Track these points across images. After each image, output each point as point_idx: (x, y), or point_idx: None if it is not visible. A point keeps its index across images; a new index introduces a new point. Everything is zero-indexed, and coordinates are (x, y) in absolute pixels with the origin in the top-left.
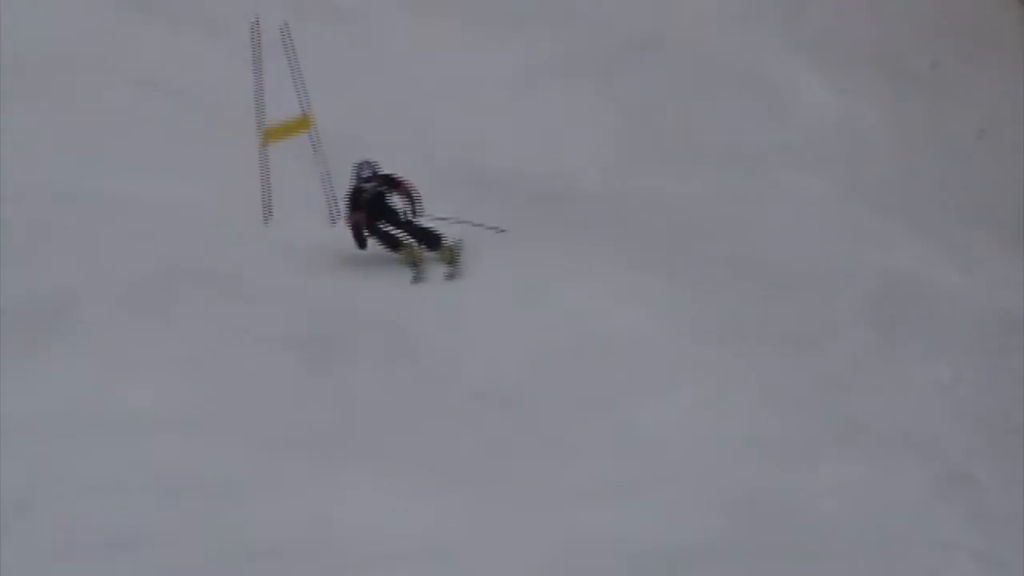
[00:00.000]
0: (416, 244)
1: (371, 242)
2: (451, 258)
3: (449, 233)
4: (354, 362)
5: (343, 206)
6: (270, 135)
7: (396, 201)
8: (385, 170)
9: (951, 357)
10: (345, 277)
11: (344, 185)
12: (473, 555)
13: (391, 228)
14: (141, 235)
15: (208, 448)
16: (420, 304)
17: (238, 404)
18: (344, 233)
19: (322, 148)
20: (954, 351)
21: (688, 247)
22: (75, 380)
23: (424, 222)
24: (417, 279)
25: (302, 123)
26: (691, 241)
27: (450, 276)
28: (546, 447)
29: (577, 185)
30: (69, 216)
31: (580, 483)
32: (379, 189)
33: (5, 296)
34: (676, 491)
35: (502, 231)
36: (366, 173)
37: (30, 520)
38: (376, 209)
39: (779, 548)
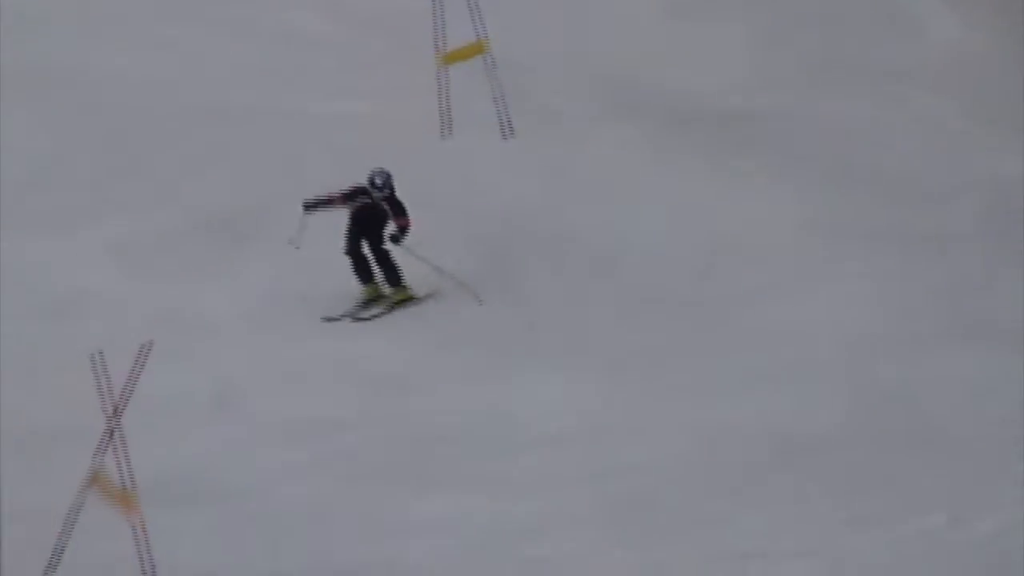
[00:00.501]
0: (381, 279)
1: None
2: (397, 302)
3: (426, 283)
4: (527, 267)
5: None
6: (448, 59)
7: (389, 224)
8: (398, 194)
9: None
10: (520, 188)
11: None
12: (629, 438)
13: (367, 249)
14: (331, 149)
15: (398, 346)
16: (582, 210)
17: (419, 305)
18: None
19: (496, 71)
20: None
21: (823, 160)
22: (275, 280)
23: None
24: (358, 316)
25: (477, 48)
26: (825, 155)
27: (376, 315)
28: (697, 342)
29: (719, 103)
30: (268, 131)
31: (726, 374)
32: (382, 206)
33: (214, 203)
34: (812, 382)
35: (480, 302)
36: (379, 181)
37: (234, 410)
38: (366, 218)
39: (902, 436)
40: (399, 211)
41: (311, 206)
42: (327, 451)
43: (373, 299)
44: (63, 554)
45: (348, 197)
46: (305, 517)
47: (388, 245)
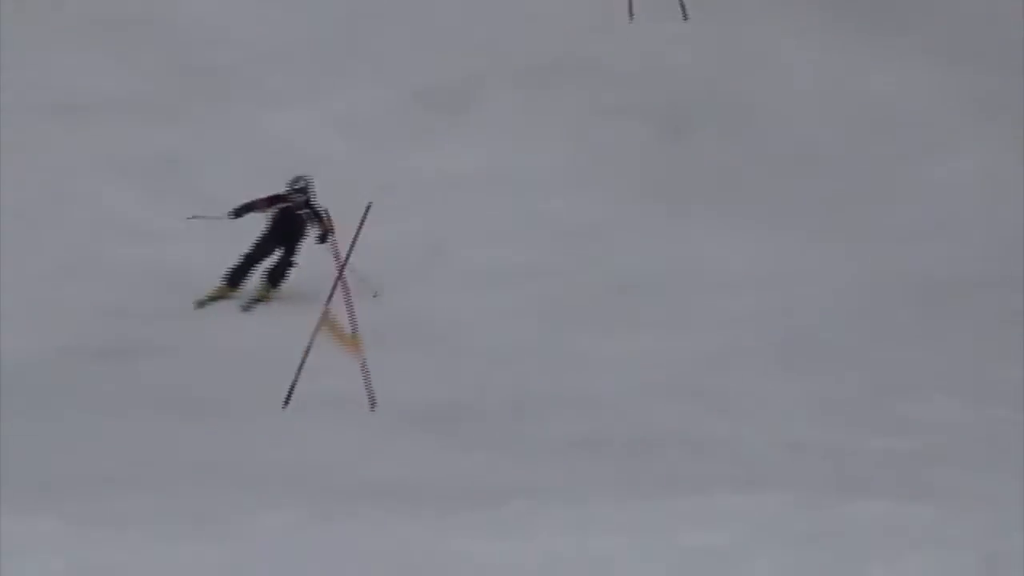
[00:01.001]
0: (264, 279)
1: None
2: (260, 297)
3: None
4: (699, 130)
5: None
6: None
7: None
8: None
9: None
10: (696, 63)
11: None
12: (797, 282)
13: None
14: (532, 23)
15: (586, 201)
16: (751, 82)
17: (607, 167)
18: None
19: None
20: None
21: (966, 41)
22: (482, 147)
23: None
24: (246, 307)
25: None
26: (967, 36)
27: (246, 307)
28: (857, 198)
29: None
30: (474, 12)
31: (883, 226)
32: (302, 210)
33: (418, 82)
34: (959, 234)
35: (376, 295)
36: (300, 185)
37: (444, 260)
38: (285, 223)
39: None
40: (318, 217)
41: (238, 212)
42: (526, 295)
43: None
44: (295, 389)
45: (270, 202)
46: (508, 355)
47: (316, 245)
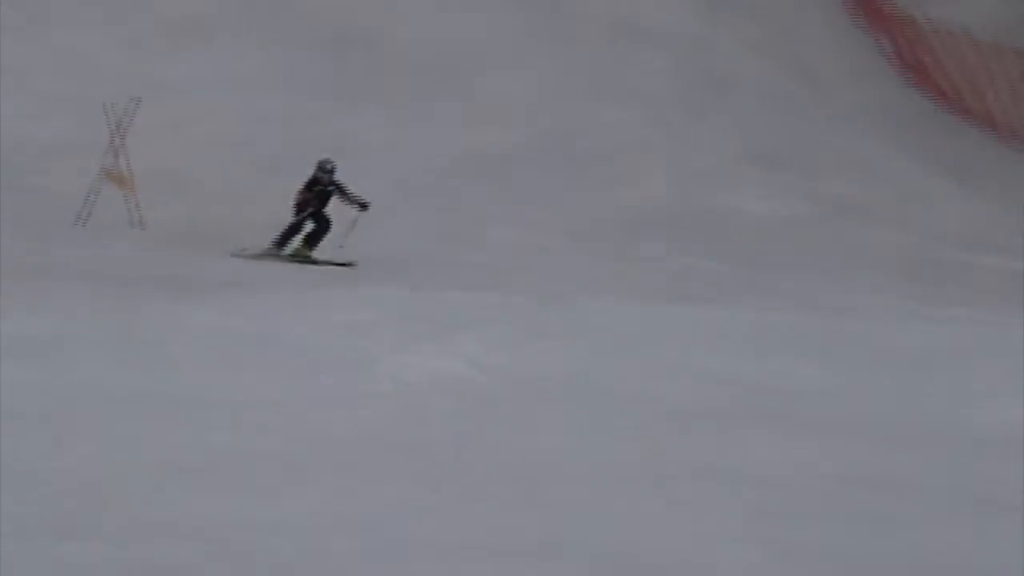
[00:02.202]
0: (302, 241)
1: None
2: (298, 255)
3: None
4: None
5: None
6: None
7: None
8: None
9: None
10: None
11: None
12: None
13: (306, 214)
14: None
15: None
16: None
17: None
18: None
19: None
20: None
21: None
22: None
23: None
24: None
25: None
26: None
27: (281, 254)
28: None
29: None
30: None
31: None
32: (329, 188)
33: None
34: None
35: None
36: (329, 167)
37: None
38: (322, 200)
39: None
40: (343, 191)
41: (299, 210)
42: None
43: (300, 257)
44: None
45: (309, 187)
46: None
47: (356, 212)
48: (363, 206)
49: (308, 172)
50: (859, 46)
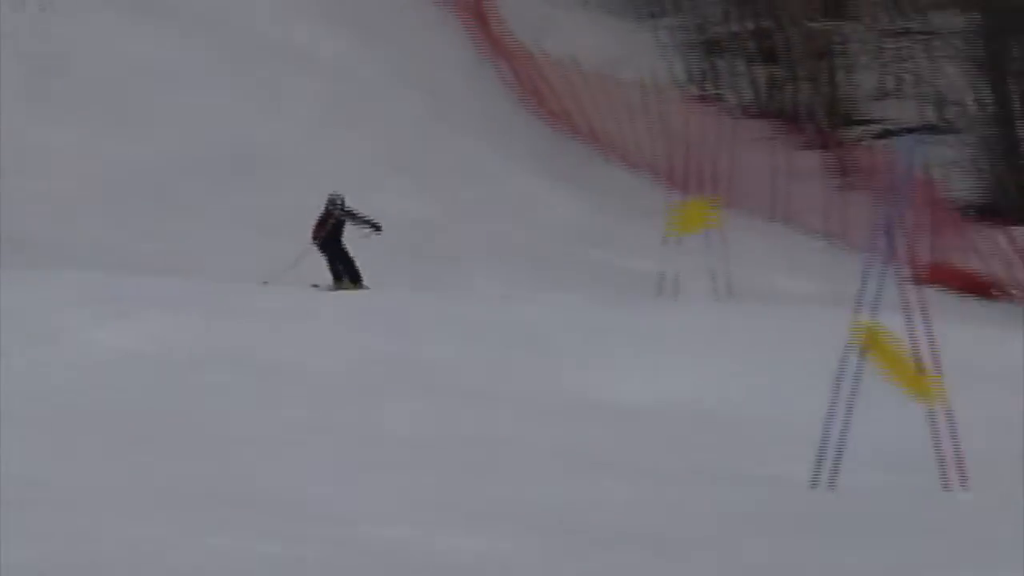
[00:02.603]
0: (342, 276)
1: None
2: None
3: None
4: None
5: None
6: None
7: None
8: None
9: None
10: None
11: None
12: None
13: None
14: None
15: None
16: None
17: None
18: None
19: None
20: None
21: None
22: None
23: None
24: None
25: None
26: None
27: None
28: None
29: None
30: None
31: None
32: (342, 218)
33: None
34: None
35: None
36: (339, 202)
37: None
38: (336, 230)
39: None
40: (354, 216)
41: (323, 247)
42: None
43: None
44: None
45: (323, 223)
46: None
47: (369, 236)
48: (376, 227)
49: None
50: (485, 73)
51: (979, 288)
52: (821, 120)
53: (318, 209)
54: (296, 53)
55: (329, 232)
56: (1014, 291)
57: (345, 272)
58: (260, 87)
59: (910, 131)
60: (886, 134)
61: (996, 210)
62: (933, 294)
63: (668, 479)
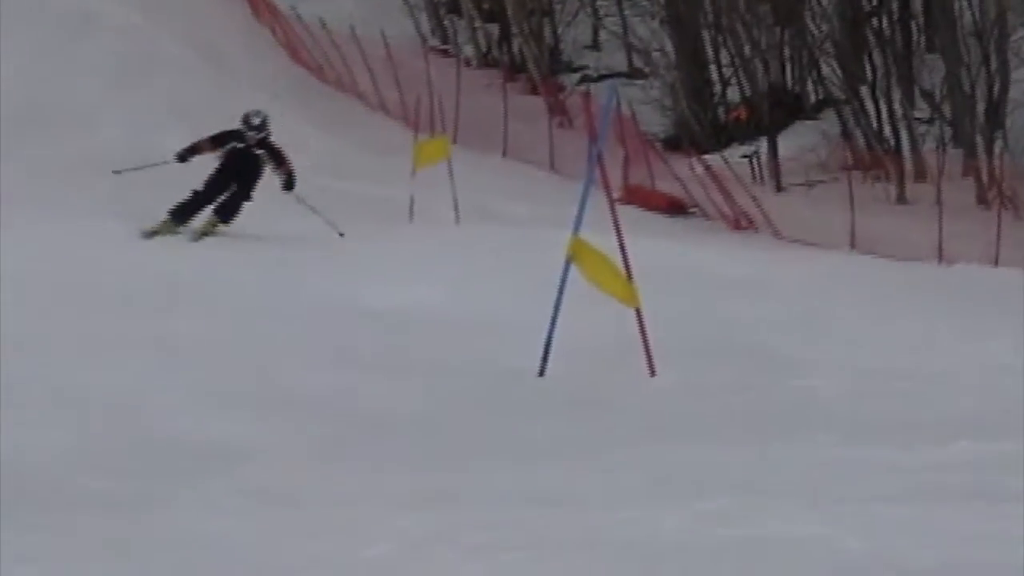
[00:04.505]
0: (214, 218)
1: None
2: (206, 231)
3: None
4: None
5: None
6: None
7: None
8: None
9: None
10: None
11: None
12: None
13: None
14: None
15: None
16: None
17: None
18: None
19: None
20: None
21: None
22: None
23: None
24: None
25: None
26: None
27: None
28: None
29: None
30: None
31: None
32: (258, 150)
33: None
34: None
35: (342, 235)
36: (256, 121)
37: None
38: (237, 165)
39: None
40: (279, 158)
41: (182, 156)
42: None
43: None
44: None
45: (216, 141)
46: None
47: (282, 193)
48: (288, 183)
49: None
50: (258, 34)
51: (672, 206)
52: (542, 69)
53: (111, 155)
54: (88, 22)
55: (226, 159)
56: (698, 208)
57: (220, 210)
58: (55, 52)
59: (611, 76)
60: (596, 79)
61: (683, 142)
62: (634, 212)
63: (413, 372)
